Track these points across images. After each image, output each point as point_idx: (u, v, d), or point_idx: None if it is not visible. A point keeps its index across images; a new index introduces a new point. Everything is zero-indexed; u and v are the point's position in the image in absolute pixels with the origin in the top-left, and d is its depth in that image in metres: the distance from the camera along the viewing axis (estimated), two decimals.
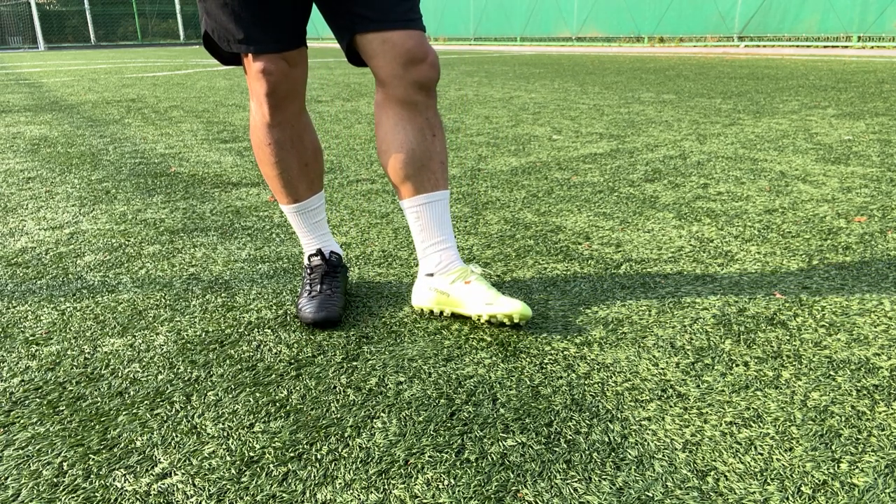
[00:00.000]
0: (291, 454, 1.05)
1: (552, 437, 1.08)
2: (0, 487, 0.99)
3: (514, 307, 1.40)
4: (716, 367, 1.28)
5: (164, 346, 1.42)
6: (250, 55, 1.36)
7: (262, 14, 1.32)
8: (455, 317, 1.51)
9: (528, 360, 1.32)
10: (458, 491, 0.96)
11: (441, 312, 1.51)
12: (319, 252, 1.60)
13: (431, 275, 1.50)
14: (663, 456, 1.02)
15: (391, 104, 1.41)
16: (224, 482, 0.99)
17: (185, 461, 1.04)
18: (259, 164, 1.54)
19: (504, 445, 1.06)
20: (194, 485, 0.98)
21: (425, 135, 1.43)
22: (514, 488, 0.96)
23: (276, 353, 1.37)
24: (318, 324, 1.46)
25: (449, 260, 1.50)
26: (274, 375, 1.29)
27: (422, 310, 1.53)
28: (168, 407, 1.19)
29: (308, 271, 1.60)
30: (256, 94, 1.41)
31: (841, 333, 1.40)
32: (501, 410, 1.16)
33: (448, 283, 1.48)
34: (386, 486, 0.97)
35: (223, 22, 1.33)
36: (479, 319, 1.45)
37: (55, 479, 1.00)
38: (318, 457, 1.04)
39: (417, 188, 1.46)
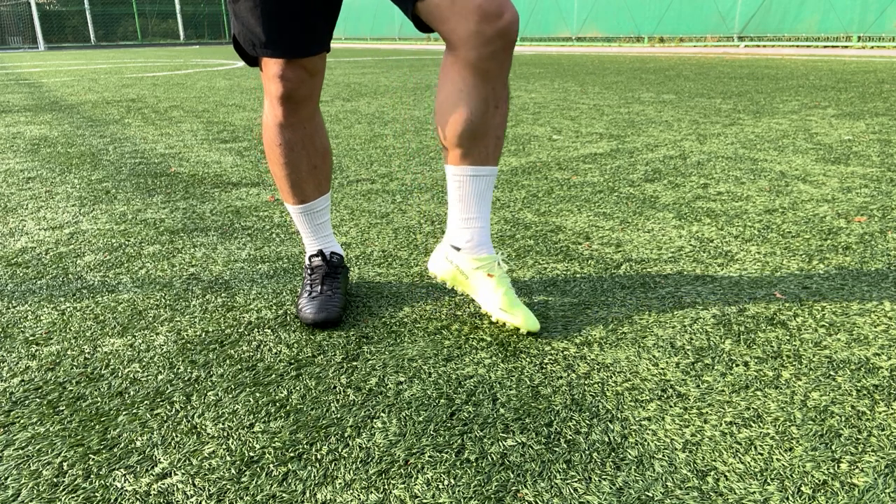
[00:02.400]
0: (291, 454, 1.05)
1: (552, 437, 1.08)
2: (0, 487, 0.99)
3: (523, 321, 1.39)
4: (716, 367, 1.28)
5: (164, 346, 1.42)
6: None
7: (289, 20, 1.30)
8: (455, 317, 1.51)
9: (528, 360, 1.32)
10: (458, 491, 0.96)
11: (453, 287, 1.50)
12: (321, 253, 1.59)
13: (458, 249, 1.46)
14: (663, 456, 1.02)
15: (459, 68, 1.31)
16: (224, 482, 0.99)
17: (185, 461, 1.04)
18: (268, 163, 1.53)
19: (504, 445, 1.06)
20: (194, 485, 0.98)
21: (489, 105, 1.34)
22: (514, 488, 0.96)
23: (276, 353, 1.37)
24: (319, 324, 1.46)
25: (480, 241, 1.45)
26: (274, 375, 1.29)
27: (434, 276, 1.52)
28: (168, 407, 1.19)
29: (308, 272, 1.59)
30: (271, 95, 1.39)
31: (841, 333, 1.40)
32: (501, 410, 1.16)
33: (472, 268, 1.44)
34: (386, 486, 0.97)
35: (250, 25, 1.31)
36: (486, 313, 1.44)
37: (55, 479, 1.00)
38: (318, 457, 1.04)
39: (466, 158, 1.39)
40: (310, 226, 1.59)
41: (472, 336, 1.42)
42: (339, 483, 0.98)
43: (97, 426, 1.13)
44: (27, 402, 1.21)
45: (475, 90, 1.32)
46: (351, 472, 1.01)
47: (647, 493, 0.95)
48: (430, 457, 1.04)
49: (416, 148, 3.64)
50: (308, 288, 1.55)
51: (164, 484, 0.99)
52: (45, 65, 13.54)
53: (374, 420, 1.13)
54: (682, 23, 15.78)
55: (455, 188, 1.44)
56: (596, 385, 1.23)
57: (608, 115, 4.72)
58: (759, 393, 1.19)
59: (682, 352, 1.34)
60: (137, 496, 0.96)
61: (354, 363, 1.33)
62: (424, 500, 0.94)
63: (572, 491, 0.96)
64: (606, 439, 1.07)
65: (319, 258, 1.59)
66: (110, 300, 1.67)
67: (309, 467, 1.02)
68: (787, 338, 1.39)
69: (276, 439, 1.09)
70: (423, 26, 1.34)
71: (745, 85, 6.62)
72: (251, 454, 1.05)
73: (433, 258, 1.52)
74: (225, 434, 1.10)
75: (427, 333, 1.45)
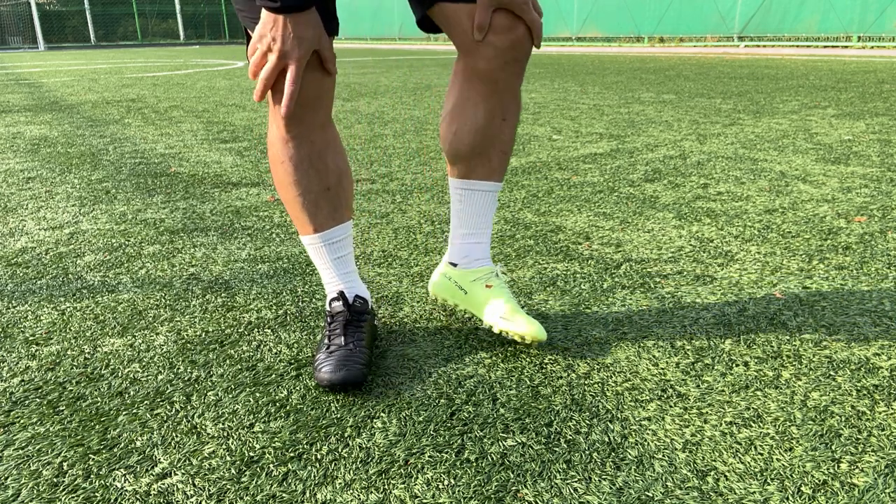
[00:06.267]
0: (291, 454, 1.05)
1: (552, 437, 1.08)
2: (0, 487, 0.99)
3: (528, 329, 1.32)
4: (716, 367, 1.28)
5: (164, 346, 1.42)
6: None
7: None
8: (455, 316, 1.51)
9: (528, 360, 1.32)
10: (458, 491, 0.96)
11: (455, 305, 1.46)
12: (342, 296, 1.34)
13: (455, 265, 1.43)
14: (663, 456, 1.02)
15: (468, 76, 1.26)
16: (224, 482, 0.99)
17: (185, 461, 1.04)
18: (276, 186, 1.33)
19: (504, 445, 1.06)
20: (194, 485, 0.98)
21: (495, 117, 1.29)
22: (514, 488, 0.96)
23: (276, 353, 1.37)
24: (337, 386, 1.21)
25: (477, 256, 1.42)
26: (274, 375, 1.29)
27: (436, 298, 1.49)
28: (168, 407, 1.19)
29: (328, 319, 1.34)
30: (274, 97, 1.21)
31: (841, 333, 1.40)
32: (501, 410, 1.16)
33: (469, 281, 1.40)
34: (386, 486, 0.97)
35: None
36: (489, 328, 1.39)
37: (55, 479, 1.00)
38: (318, 457, 1.04)
39: (467, 172, 1.35)
40: (327, 259, 1.35)
41: (472, 336, 1.42)
42: (339, 483, 0.98)
43: (97, 426, 1.13)
44: (27, 402, 1.21)
45: (484, 101, 1.27)
46: (351, 472, 1.01)
47: (647, 493, 0.95)
48: (430, 457, 1.04)
49: (416, 148, 3.64)
50: (326, 341, 1.30)
51: (164, 484, 0.99)
52: (45, 65, 13.54)
53: (374, 420, 1.13)
54: (682, 23, 15.78)
55: (456, 202, 1.40)
56: (596, 385, 1.23)
57: (608, 115, 4.72)
58: (759, 393, 1.19)
59: (682, 352, 1.34)
60: (137, 496, 0.96)
61: None
62: (424, 500, 0.94)
63: (572, 491, 0.96)
64: (606, 439, 1.07)
65: (340, 302, 1.34)
66: (110, 300, 1.67)
67: (309, 467, 1.02)
68: (787, 338, 1.39)
69: (276, 439, 1.09)
70: (428, 27, 1.29)
71: (745, 85, 6.62)
72: (251, 454, 1.05)
73: (433, 280, 1.49)
74: (225, 434, 1.10)
75: (427, 333, 1.45)
